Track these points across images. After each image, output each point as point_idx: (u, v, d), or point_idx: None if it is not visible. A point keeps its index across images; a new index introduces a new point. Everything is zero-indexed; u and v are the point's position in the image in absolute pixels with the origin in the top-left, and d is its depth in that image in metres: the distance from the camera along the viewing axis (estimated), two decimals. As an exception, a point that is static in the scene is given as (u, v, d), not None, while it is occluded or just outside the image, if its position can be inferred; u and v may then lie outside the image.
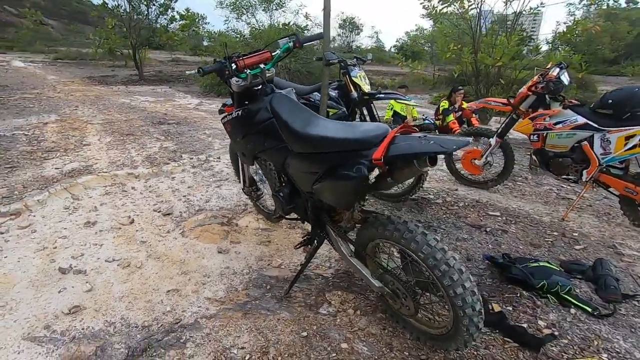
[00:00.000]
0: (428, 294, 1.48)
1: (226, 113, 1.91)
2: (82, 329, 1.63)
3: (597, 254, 2.36)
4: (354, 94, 3.08)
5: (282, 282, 1.98)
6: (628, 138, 2.42)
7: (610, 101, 2.50)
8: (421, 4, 6.38)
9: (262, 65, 1.75)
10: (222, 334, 1.61)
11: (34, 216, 2.63)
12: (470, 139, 1.16)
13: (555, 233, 2.61)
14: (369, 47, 31.66)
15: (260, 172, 2.30)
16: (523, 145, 4.93)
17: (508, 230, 2.64)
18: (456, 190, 3.38)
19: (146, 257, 2.21)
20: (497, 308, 1.81)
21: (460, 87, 5.83)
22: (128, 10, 12.03)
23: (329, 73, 3.21)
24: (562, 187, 3.50)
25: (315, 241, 1.79)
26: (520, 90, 2.96)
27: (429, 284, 1.37)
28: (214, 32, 16.12)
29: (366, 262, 1.59)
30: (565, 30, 6.07)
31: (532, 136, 2.84)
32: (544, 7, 6.01)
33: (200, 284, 1.96)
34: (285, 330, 1.63)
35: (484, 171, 3.34)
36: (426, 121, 5.82)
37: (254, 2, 12.21)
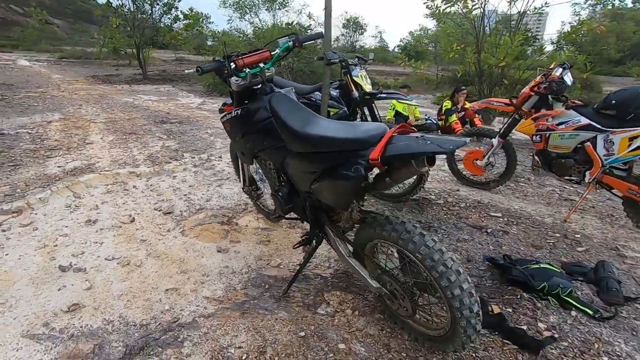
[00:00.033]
0: (426, 295, 1.47)
1: (225, 112, 1.91)
2: (81, 326, 1.64)
3: (600, 256, 2.34)
4: (355, 93, 3.07)
5: (280, 282, 1.98)
6: (632, 139, 2.39)
7: (614, 102, 2.47)
8: (424, 3, 6.37)
9: (261, 65, 1.75)
10: (220, 333, 1.61)
11: (36, 214, 2.64)
12: (468, 139, 1.15)
13: (557, 234, 2.59)
14: (373, 47, 31.60)
15: (260, 171, 2.30)
16: (526, 145, 4.89)
17: (509, 232, 2.62)
18: (458, 190, 3.37)
19: (146, 255, 2.21)
20: (496, 310, 1.80)
21: (463, 87, 5.81)
22: (132, 9, 12.08)
23: (330, 73, 3.20)
24: (564, 188, 3.47)
25: (314, 241, 1.79)
26: (522, 91, 2.94)
27: (427, 285, 1.36)
28: (218, 31, 16.19)
29: (364, 263, 1.58)
30: (570, 30, 6.02)
31: (534, 137, 2.82)
32: (548, 6, 5.95)
33: (199, 283, 1.96)
34: (282, 330, 1.63)
35: (485, 172, 3.31)
36: (428, 121, 5.80)
37: (257, 2, 12.23)
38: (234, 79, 1.71)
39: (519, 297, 1.89)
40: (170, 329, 1.63)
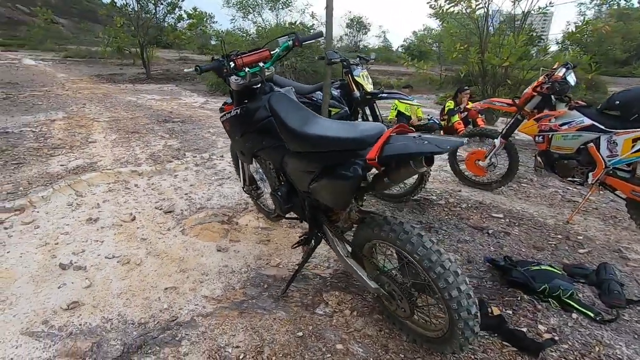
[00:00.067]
0: (424, 296, 1.46)
1: (225, 111, 1.91)
2: (80, 324, 1.65)
3: (602, 258, 2.32)
4: (356, 93, 3.06)
5: (279, 282, 1.97)
6: (636, 140, 2.36)
7: (618, 102, 2.45)
8: (428, 3, 6.34)
9: (261, 64, 1.74)
10: (218, 332, 1.61)
11: (38, 212, 2.66)
12: (465, 140, 1.14)
13: (560, 236, 2.57)
14: (377, 47, 31.51)
15: (260, 170, 2.30)
16: (529, 146, 4.86)
17: (511, 233, 2.60)
18: (459, 191, 3.35)
19: (146, 254, 2.22)
20: (496, 311, 1.79)
21: (466, 88, 5.78)
22: (136, 9, 12.13)
23: (332, 72, 3.20)
24: (567, 189, 3.44)
25: (313, 241, 1.78)
26: (525, 91, 2.92)
27: (426, 286, 1.35)
28: (222, 31, 16.23)
29: (363, 263, 1.58)
30: (574, 30, 5.97)
31: (537, 137, 2.80)
32: (552, 6, 5.91)
33: (198, 282, 1.97)
34: (280, 330, 1.63)
35: (488, 172, 3.30)
36: (431, 121, 5.78)
37: (260, 1, 12.24)
38: (233, 78, 1.71)
39: (519, 298, 1.88)
40: (169, 327, 1.63)
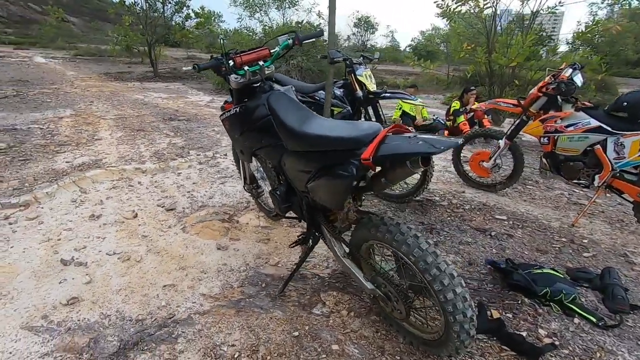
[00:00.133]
0: (421, 298, 1.45)
1: (225, 110, 1.91)
2: (78, 320, 1.66)
3: (607, 262, 2.28)
4: (359, 92, 3.04)
5: (277, 281, 1.97)
6: (643, 142, 2.32)
7: (625, 104, 2.40)
8: (435, 2, 6.28)
9: (261, 62, 1.74)
10: (214, 330, 1.61)
11: (42, 208, 2.69)
12: (460, 140, 1.12)
13: (564, 239, 2.53)
14: (384, 47, 31.36)
15: (261, 169, 2.30)
16: (535, 148, 4.79)
17: (514, 235, 2.57)
18: (463, 192, 3.31)
19: (146, 251, 2.23)
20: (496, 315, 1.76)
21: (472, 88, 5.71)
22: (144, 7, 12.23)
23: (334, 71, 3.18)
24: (574, 191, 3.39)
25: (310, 241, 1.78)
26: (530, 92, 2.87)
27: (422, 288, 1.34)
28: (229, 30, 16.29)
29: (360, 264, 1.56)
30: (584, 29, 5.87)
31: (542, 139, 2.76)
32: (562, 5, 5.80)
33: (196, 280, 1.97)
34: (276, 329, 1.62)
35: (492, 174, 3.26)
36: (436, 121, 5.73)
37: (267, 1, 12.26)
38: (233, 76, 1.71)
39: (520, 302, 1.85)
40: (166, 325, 1.64)
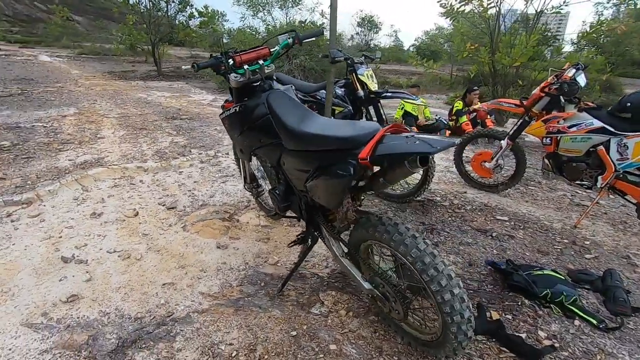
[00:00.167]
0: (419, 298, 1.44)
1: (225, 109, 1.91)
2: (78, 317, 1.67)
3: (609, 264, 2.25)
4: (360, 92, 3.03)
5: (276, 280, 1.97)
6: (647, 143, 2.29)
7: (629, 104, 2.37)
8: (438, 2, 6.26)
9: (260, 62, 1.74)
10: (212, 329, 1.61)
11: (44, 206, 2.71)
12: (457, 141, 1.11)
13: (566, 240, 2.51)
14: (388, 46, 31.28)
15: (261, 168, 2.30)
16: (539, 148, 4.76)
17: (515, 236, 2.55)
18: (465, 193, 3.30)
19: (146, 249, 2.24)
20: (495, 316, 1.75)
21: (475, 88, 5.69)
22: (148, 7, 12.27)
23: (337, 71, 3.18)
24: (576, 192, 3.36)
25: (309, 240, 1.77)
26: (533, 92, 2.85)
27: (420, 288, 1.33)
28: (233, 29, 16.31)
29: (359, 263, 1.56)
30: (589, 29, 5.82)
31: (544, 139, 2.73)
32: (567, 5, 5.76)
33: (196, 279, 1.97)
34: (274, 329, 1.62)
35: (494, 174, 3.24)
36: (438, 121, 5.70)
37: (270, 0, 12.26)
38: (233, 75, 1.71)
39: (520, 303, 1.84)
40: (164, 323, 1.65)
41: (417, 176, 2.87)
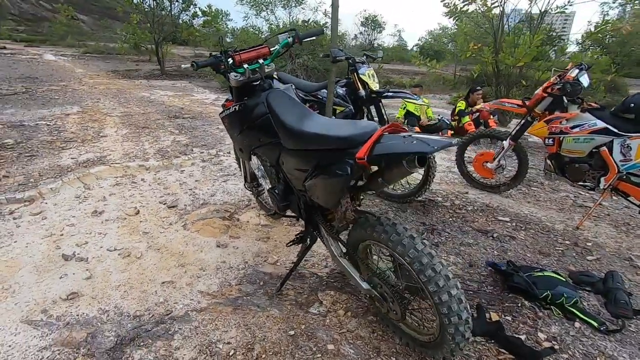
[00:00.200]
0: (418, 299, 1.43)
1: (225, 108, 1.91)
2: (77, 315, 1.68)
3: (611, 266, 2.24)
4: (362, 91, 3.02)
5: (275, 279, 1.97)
6: (650, 144, 2.27)
7: (633, 105, 2.35)
8: (441, 1, 6.22)
9: (260, 61, 1.74)
10: (210, 327, 1.62)
11: (46, 203, 2.72)
12: (454, 141, 1.10)
13: (567, 242, 2.49)
14: (391, 46, 31.19)
15: (261, 167, 2.30)
16: (541, 149, 4.73)
17: (517, 237, 2.54)
18: (466, 193, 3.28)
19: (147, 248, 2.25)
20: (495, 317, 1.74)
21: (478, 88, 5.66)
22: (152, 6, 12.31)
23: (339, 70, 3.17)
24: (579, 194, 3.34)
25: (308, 240, 1.77)
26: (536, 92, 2.83)
27: (418, 289, 1.33)
28: (236, 28, 16.33)
29: (357, 263, 1.56)
30: (593, 29, 5.77)
31: (547, 140, 2.72)
32: (571, 5, 5.72)
33: (195, 277, 1.98)
34: (273, 328, 1.62)
35: (496, 175, 3.22)
36: (441, 121, 5.68)
37: (273, -1, 12.25)
38: (232, 74, 1.71)
39: (520, 305, 1.83)
40: (163, 321, 1.65)
41: (418, 176, 2.86)
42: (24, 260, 2.06)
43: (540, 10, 5.73)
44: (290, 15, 12.54)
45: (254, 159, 2.07)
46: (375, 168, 1.30)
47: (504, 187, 3.27)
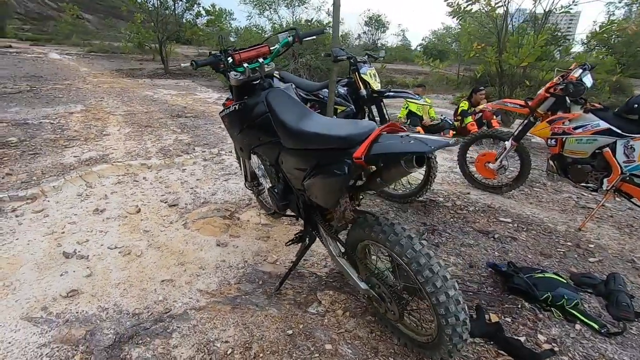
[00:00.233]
0: (417, 299, 1.43)
1: (225, 107, 1.92)
2: (77, 312, 1.68)
3: (614, 268, 2.22)
4: (363, 91, 3.02)
5: (275, 278, 1.97)
6: (654, 146, 2.25)
7: (636, 106, 2.33)
8: (445, 0, 6.19)
9: (260, 60, 1.74)
10: (209, 326, 1.62)
11: (49, 201, 2.74)
12: (452, 140, 1.09)
13: (569, 243, 2.47)
14: (395, 46, 31.13)
15: (262, 166, 2.30)
16: (545, 149, 4.70)
17: (518, 238, 2.52)
18: (468, 193, 3.27)
19: (147, 246, 2.25)
20: (494, 318, 1.73)
21: (481, 88, 5.64)
22: (156, 5, 12.36)
23: (341, 70, 3.16)
24: (582, 195, 3.31)
25: (307, 239, 1.77)
26: (539, 92, 2.82)
27: (417, 289, 1.32)
28: (240, 27, 16.35)
29: (356, 263, 1.55)
30: (598, 29, 5.72)
31: (549, 140, 2.70)
32: (576, 5, 5.67)
33: (194, 276, 1.98)
34: (271, 327, 1.62)
35: (498, 175, 3.21)
36: (444, 121, 5.66)
37: (277, -2, 12.26)
38: (232, 73, 1.71)
39: (520, 306, 1.82)
40: (161, 319, 1.65)
41: (419, 176, 2.85)
42: (25, 257, 2.07)
43: (544, 10, 5.69)
44: (293, 15, 12.53)
45: (255, 158, 2.07)
46: (374, 168, 1.29)
47: (506, 187, 3.25)
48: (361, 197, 1.66)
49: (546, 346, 1.58)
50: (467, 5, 6.00)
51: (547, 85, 2.71)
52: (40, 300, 1.75)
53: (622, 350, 1.59)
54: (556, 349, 1.57)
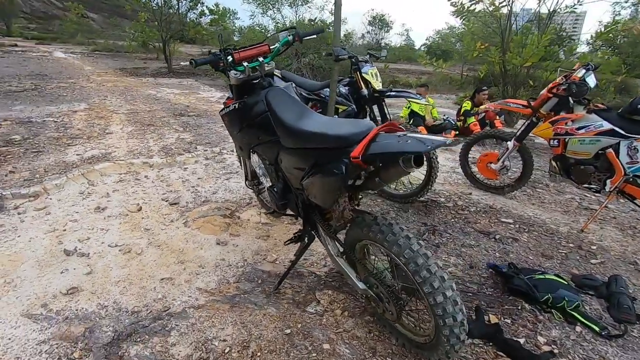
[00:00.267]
0: (415, 300, 1.42)
1: (225, 106, 1.92)
2: (76, 309, 1.69)
3: (616, 270, 2.20)
4: (365, 91, 3.01)
5: (274, 278, 1.97)
6: (658, 147, 2.23)
7: (640, 106, 2.31)
8: (449, 0, 6.17)
9: (260, 59, 1.73)
10: (207, 325, 1.62)
11: (51, 199, 2.75)
12: (449, 140, 1.08)
13: (571, 245, 2.45)
14: (399, 45, 31.08)
15: (262, 165, 2.30)
16: (547, 150, 4.67)
17: (519, 239, 2.50)
18: (470, 194, 3.25)
19: (147, 244, 2.26)
20: (494, 319, 1.72)
21: (484, 88, 5.61)
22: (160, 4, 12.39)
23: (340, 69, 3.16)
24: (585, 196, 3.29)
25: (306, 238, 1.77)
26: (541, 92, 2.80)
27: (415, 290, 1.32)
28: (243, 27, 16.36)
29: (355, 263, 1.55)
30: (603, 29, 5.68)
31: (552, 141, 2.68)
32: (581, 5, 5.63)
33: (194, 274, 1.99)
34: (269, 326, 1.62)
35: (500, 176, 3.19)
36: (446, 121, 5.63)
37: (280, -2, 12.24)
38: (232, 72, 1.71)
39: (520, 308, 1.81)
40: (160, 317, 1.66)
41: (420, 176, 2.84)
42: (26, 254, 2.09)
43: (548, 10, 5.65)
44: (296, 14, 12.51)
45: (255, 157, 2.07)
46: (372, 167, 1.29)
47: (508, 188, 3.23)
48: (360, 197, 1.66)
49: (546, 348, 1.57)
50: (471, 5, 5.98)
51: (550, 85, 2.69)
52: (40, 297, 1.76)
53: (622, 353, 1.58)
54: (556, 351, 1.56)
